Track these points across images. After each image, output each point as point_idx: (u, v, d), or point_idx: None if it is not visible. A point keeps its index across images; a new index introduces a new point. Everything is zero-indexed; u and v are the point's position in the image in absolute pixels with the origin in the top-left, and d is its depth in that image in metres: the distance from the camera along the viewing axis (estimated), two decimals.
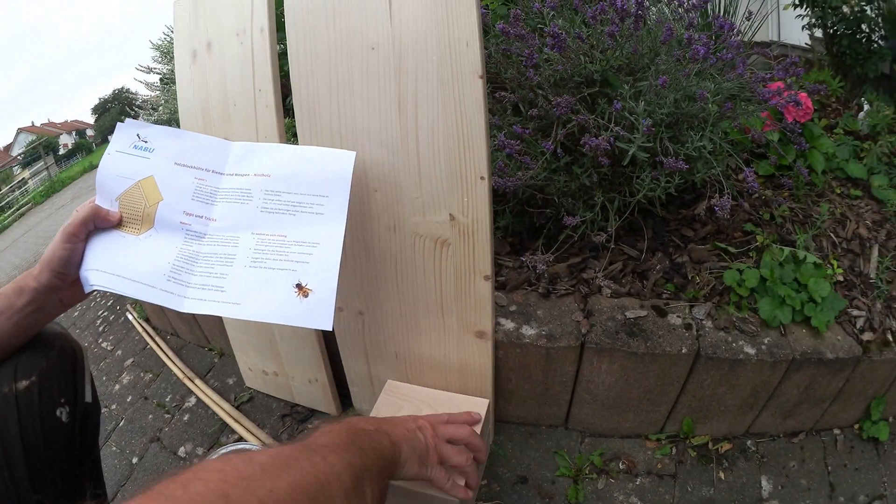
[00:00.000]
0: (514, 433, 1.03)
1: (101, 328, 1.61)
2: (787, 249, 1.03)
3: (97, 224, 0.60)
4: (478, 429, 0.82)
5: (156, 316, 1.44)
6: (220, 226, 0.64)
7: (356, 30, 0.76)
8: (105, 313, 1.69)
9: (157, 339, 1.40)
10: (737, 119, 1.04)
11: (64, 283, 0.59)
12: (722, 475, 0.99)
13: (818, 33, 1.69)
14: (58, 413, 0.63)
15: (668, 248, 1.04)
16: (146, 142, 0.65)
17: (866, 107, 1.48)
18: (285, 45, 0.83)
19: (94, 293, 1.88)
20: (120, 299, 1.71)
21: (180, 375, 1.24)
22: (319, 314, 0.59)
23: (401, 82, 0.76)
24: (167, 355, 1.32)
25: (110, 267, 0.59)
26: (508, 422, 1.05)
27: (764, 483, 0.98)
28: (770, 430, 1.05)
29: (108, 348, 1.50)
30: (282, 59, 0.87)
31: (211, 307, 0.59)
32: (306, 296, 0.60)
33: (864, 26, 1.52)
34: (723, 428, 1.02)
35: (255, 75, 0.89)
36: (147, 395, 1.27)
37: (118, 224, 0.61)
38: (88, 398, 0.69)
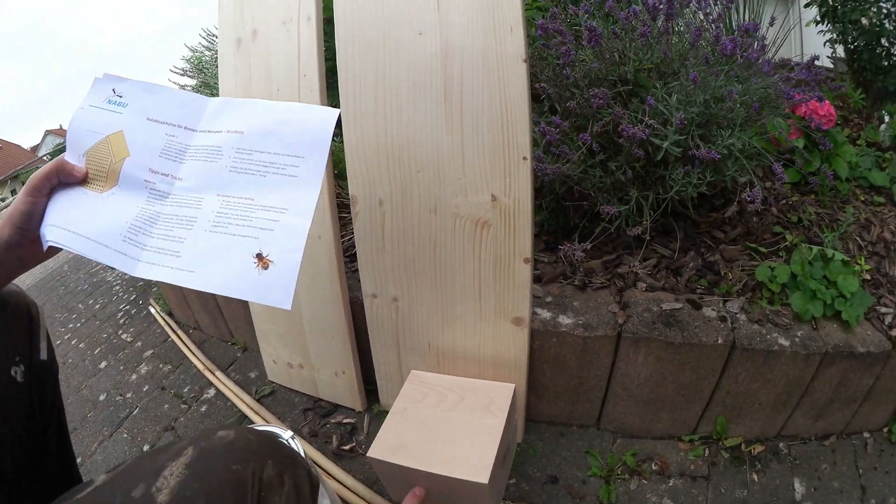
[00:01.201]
0: (544, 432, 1.01)
1: (121, 321, 1.60)
2: (815, 248, 1.03)
3: (61, 179, 0.57)
4: (500, 422, 0.80)
5: (179, 309, 1.43)
6: (186, 185, 0.58)
7: (404, 17, 0.79)
8: (127, 307, 1.67)
9: (179, 332, 1.39)
10: (763, 119, 1.06)
11: (25, 239, 0.55)
12: (755, 477, 0.97)
13: (840, 51, 1.73)
14: (12, 373, 0.60)
15: (699, 248, 1.04)
16: (121, 96, 0.61)
17: (887, 118, 1.50)
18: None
19: (101, 272, 1.88)
20: (143, 293, 1.70)
21: (200, 367, 1.22)
22: (278, 290, 0.52)
23: (447, 67, 0.78)
24: (188, 348, 1.30)
25: (69, 224, 0.55)
26: (539, 421, 1.02)
27: (797, 485, 0.95)
28: (802, 433, 1.03)
29: (128, 340, 1.48)
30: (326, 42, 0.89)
31: (164, 273, 0.54)
32: (266, 268, 0.53)
33: (883, 40, 1.56)
34: (755, 429, 1.00)
35: (301, 62, 0.91)
36: (164, 386, 1.25)
37: (83, 181, 0.58)
38: (44, 356, 0.67)
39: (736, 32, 1.21)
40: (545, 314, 0.89)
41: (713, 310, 0.92)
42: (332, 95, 0.93)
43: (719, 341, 0.87)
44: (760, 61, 1.04)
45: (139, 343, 1.46)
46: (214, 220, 0.56)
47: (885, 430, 1.04)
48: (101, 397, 1.28)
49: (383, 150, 0.84)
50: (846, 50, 1.71)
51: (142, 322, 1.56)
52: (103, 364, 1.42)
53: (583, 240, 1.00)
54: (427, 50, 0.78)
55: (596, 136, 0.94)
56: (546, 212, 1.02)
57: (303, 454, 0.75)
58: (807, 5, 1.72)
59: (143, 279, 1.75)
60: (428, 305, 0.89)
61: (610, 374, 0.92)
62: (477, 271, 0.83)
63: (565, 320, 0.88)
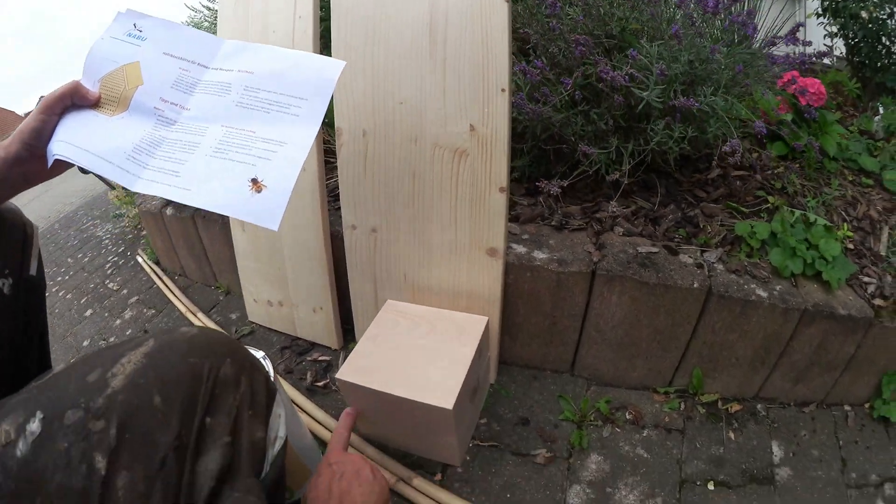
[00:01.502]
0: (518, 375, 1.00)
1: (109, 271, 1.61)
2: (797, 212, 1.03)
3: (75, 101, 0.59)
4: (470, 351, 0.81)
5: (166, 256, 1.45)
6: (193, 115, 0.62)
7: None
8: (115, 258, 1.69)
9: (165, 278, 1.40)
10: (748, 83, 1.07)
11: (32, 155, 0.58)
12: (732, 435, 0.95)
13: (839, 46, 1.75)
14: (0, 284, 0.61)
15: (680, 203, 1.05)
16: (141, 31, 0.65)
17: (882, 110, 1.51)
18: None
19: (91, 228, 1.90)
20: (131, 245, 1.72)
21: (183, 310, 1.23)
22: (269, 211, 0.55)
23: (434, 4, 0.80)
24: (173, 293, 1.31)
25: (76, 141, 0.58)
26: (513, 364, 1.02)
27: (775, 448, 0.94)
28: (781, 396, 1.01)
29: (115, 288, 1.50)
30: None
31: (161, 189, 0.57)
32: (259, 191, 0.56)
33: (884, 39, 1.58)
34: (732, 387, 0.99)
35: (297, 4, 0.95)
36: (147, 329, 1.26)
37: (96, 104, 0.61)
38: (33, 272, 0.68)
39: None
40: (520, 249, 0.89)
41: (690, 257, 0.92)
42: (324, 36, 0.96)
43: (695, 285, 0.86)
44: (748, 26, 1.06)
45: (125, 291, 1.47)
46: (216, 146, 0.59)
47: (867, 405, 1.03)
48: (85, 343, 1.28)
49: (370, 84, 0.86)
50: (846, 45, 1.73)
51: (129, 271, 1.57)
52: (89, 312, 1.43)
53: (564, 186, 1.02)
54: None
55: (578, 85, 0.96)
56: (528, 157, 1.03)
57: (272, 373, 0.76)
58: None
59: (133, 236, 1.77)
60: (406, 236, 0.90)
61: (584, 314, 0.92)
62: (454, 200, 0.85)
63: (540, 255, 0.88)
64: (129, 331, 1.28)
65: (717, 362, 0.95)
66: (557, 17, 1.01)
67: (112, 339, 1.26)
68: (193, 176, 0.57)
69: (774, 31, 1.66)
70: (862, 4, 1.59)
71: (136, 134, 0.59)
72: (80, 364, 0.43)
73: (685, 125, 0.98)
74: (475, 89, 0.80)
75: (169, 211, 1.30)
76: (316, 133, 0.61)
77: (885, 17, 1.58)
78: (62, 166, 0.61)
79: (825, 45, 1.68)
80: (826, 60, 1.91)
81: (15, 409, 0.40)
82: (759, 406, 1.00)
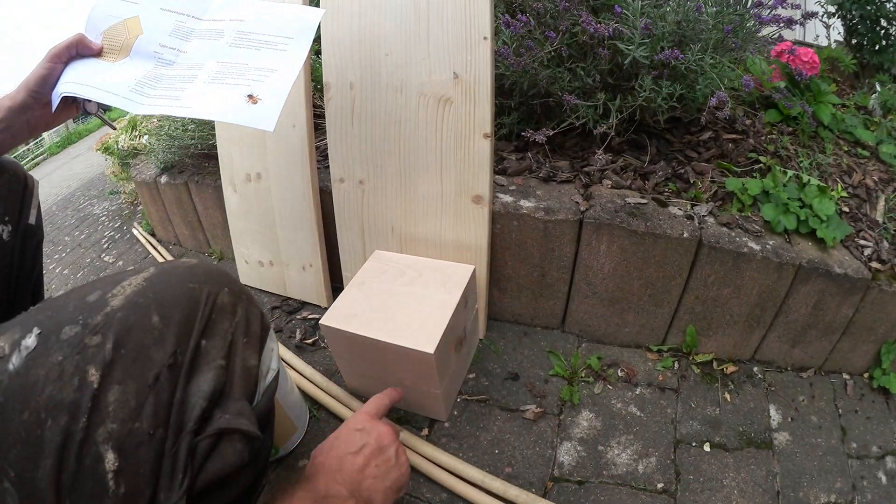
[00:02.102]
0: (507, 331, 0.99)
1: (105, 245, 1.62)
2: (790, 172, 1.02)
3: (80, 51, 0.64)
4: (454, 298, 0.80)
5: (161, 226, 1.46)
6: (190, 56, 0.68)
7: None
8: (111, 233, 1.70)
9: (160, 248, 1.41)
10: (737, 42, 1.07)
11: (37, 102, 0.62)
12: (728, 397, 0.93)
13: (837, 26, 1.75)
14: None
15: (671, 162, 1.04)
16: None
17: (878, 88, 1.51)
18: None
19: (88, 206, 1.91)
20: (127, 220, 1.73)
21: None
22: (264, 117, 0.61)
23: None
24: (166, 260, 1.32)
25: (82, 79, 0.63)
26: (503, 320, 1.01)
27: (773, 412, 0.92)
28: (777, 360, 0.99)
29: (110, 261, 1.50)
30: None
31: (163, 108, 0.62)
32: (255, 103, 0.62)
33: (882, 21, 1.58)
34: (728, 346, 0.97)
35: None
36: None
37: (98, 54, 0.66)
38: (32, 220, 0.71)
39: None
40: (507, 198, 0.89)
41: (680, 209, 0.91)
42: None
43: (685, 235, 0.85)
44: None
45: (120, 262, 1.48)
46: (213, 75, 0.65)
47: (866, 375, 1.01)
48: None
49: (356, 37, 0.87)
50: (844, 26, 1.74)
51: (125, 244, 1.58)
52: None
53: (552, 142, 1.01)
54: None
55: (565, 42, 0.97)
56: (516, 114, 1.03)
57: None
58: None
59: (129, 212, 1.79)
60: (393, 187, 0.90)
61: (573, 265, 0.91)
62: (439, 148, 0.85)
63: (527, 204, 0.88)
64: None
65: (711, 320, 0.93)
66: None
67: None
68: (193, 96, 0.63)
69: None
70: None
71: (139, 72, 0.65)
72: (79, 288, 0.44)
73: (673, 83, 0.98)
74: (458, 38, 0.81)
75: (163, 179, 1.32)
76: (303, 62, 0.66)
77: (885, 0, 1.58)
78: (64, 113, 0.66)
79: (822, 21, 1.68)
80: (822, 40, 1.91)
81: (11, 327, 0.40)
82: (755, 369, 0.98)
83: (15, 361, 0.37)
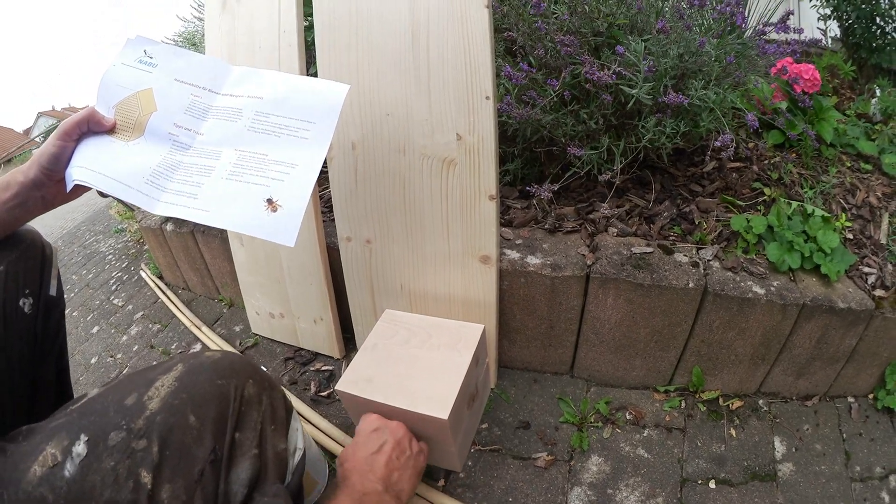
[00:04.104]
0: (517, 379, 1.01)
1: (114, 287, 1.64)
2: (795, 203, 1.02)
3: (91, 127, 0.62)
4: (466, 360, 0.81)
5: (169, 271, 1.47)
6: (206, 139, 0.65)
7: None
8: (119, 274, 1.72)
9: (168, 292, 1.42)
10: (740, 74, 1.06)
11: (50, 179, 0.61)
12: (733, 433, 0.95)
13: (833, 27, 1.73)
14: (20, 303, 0.64)
15: (675, 199, 1.04)
16: (151, 58, 0.67)
17: (878, 92, 1.49)
18: None
19: (95, 244, 1.93)
20: (135, 260, 1.74)
21: (188, 324, 1.25)
22: (285, 229, 0.59)
23: (414, 13, 0.80)
24: (176, 307, 1.33)
25: (94, 165, 0.60)
26: (513, 368, 1.03)
27: (777, 444, 0.94)
28: (783, 391, 1.01)
29: (119, 304, 1.52)
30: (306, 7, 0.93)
31: (180, 211, 0.60)
32: (275, 210, 0.60)
33: (878, 19, 1.56)
34: (733, 383, 0.99)
35: (281, 18, 0.95)
36: (153, 344, 1.27)
37: (111, 130, 0.63)
38: (53, 292, 0.71)
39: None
40: (514, 255, 0.90)
41: (685, 255, 0.92)
42: (310, 49, 0.97)
43: (690, 285, 0.86)
44: (736, 16, 1.05)
45: (130, 306, 1.49)
46: (231, 169, 0.62)
47: (871, 396, 1.02)
48: (93, 360, 1.30)
49: (355, 96, 0.87)
50: (840, 27, 1.71)
51: (133, 286, 1.59)
52: (95, 329, 1.45)
53: (555, 183, 1.02)
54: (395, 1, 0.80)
55: (567, 85, 0.96)
56: (520, 161, 1.03)
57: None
58: None
59: (136, 251, 1.79)
60: (400, 246, 0.90)
61: (581, 317, 0.92)
62: (445, 210, 0.85)
63: (533, 260, 0.88)
64: (136, 346, 1.30)
65: (716, 360, 0.95)
66: (544, 16, 1.00)
67: (119, 356, 1.28)
68: (211, 197, 0.61)
69: (767, 17, 1.64)
70: None
71: (153, 158, 0.63)
72: (114, 389, 0.47)
73: (677, 120, 0.97)
74: (460, 98, 0.80)
75: (169, 227, 1.32)
76: (325, 154, 0.64)
77: None
78: (80, 189, 0.65)
79: (819, 28, 1.66)
80: (821, 40, 1.89)
81: (57, 432, 0.43)
82: (760, 401, 1.00)
83: (70, 469, 0.40)
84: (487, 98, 0.79)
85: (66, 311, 1.60)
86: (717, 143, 0.92)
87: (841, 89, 1.60)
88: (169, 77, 0.66)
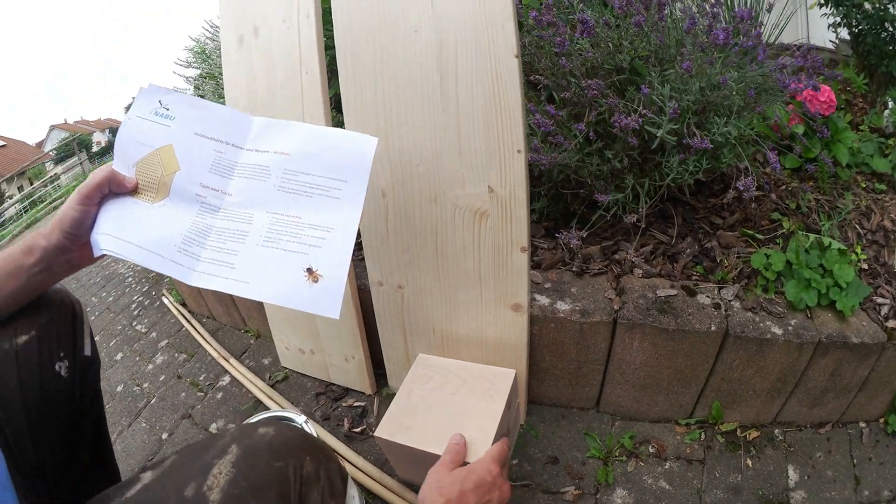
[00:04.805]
0: (546, 415, 1.05)
1: (135, 312, 1.65)
2: (812, 236, 1.05)
3: (112, 189, 0.59)
4: (499, 407, 0.83)
5: (192, 299, 1.48)
6: (236, 201, 0.63)
7: (399, 14, 0.81)
8: (140, 298, 1.73)
9: (193, 321, 1.44)
10: (760, 106, 1.07)
11: (74, 244, 0.59)
12: (749, 462, 0.99)
13: (844, 33, 1.72)
14: (57, 367, 0.63)
15: (697, 233, 1.06)
16: (168, 109, 0.64)
17: (891, 104, 1.50)
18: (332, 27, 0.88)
19: (114, 264, 1.94)
20: (156, 284, 1.75)
21: (215, 355, 1.27)
22: (328, 301, 0.58)
23: (442, 64, 0.80)
24: (202, 336, 1.35)
25: (122, 233, 0.58)
26: (541, 403, 1.06)
27: (791, 472, 0.98)
28: (797, 420, 1.05)
29: (143, 331, 1.54)
30: (328, 42, 0.92)
31: (219, 283, 0.58)
32: (316, 281, 0.58)
33: (887, 25, 1.55)
34: (751, 415, 1.03)
35: (302, 57, 0.94)
36: (181, 375, 1.30)
37: (133, 191, 0.61)
38: (88, 352, 0.70)
39: (732, 21, 1.22)
40: (543, 300, 0.92)
41: (707, 297, 0.95)
42: (333, 87, 0.96)
43: (712, 328, 0.89)
44: (757, 49, 1.05)
45: (154, 333, 1.51)
46: (266, 235, 0.61)
47: (882, 420, 1.05)
48: (119, 388, 1.32)
49: (384, 145, 0.87)
50: (850, 33, 1.70)
51: (156, 313, 1.61)
52: (119, 356, 1.46)
53: (582, 225, 1.03)
54: (423, 47, 0.80)
55: (592, 125, 0.96)
56: (545, 199, 1.05)
57: (316, 436, 0.80)
58: None
59: (155, 277, 1.80)
60: (432, 292, 0.92)
61: (607, 358, 0.95)
62: (477, 260, 0.87)
63: (563, 306, 0.91)
64: (163, 376, 1.32)
65: (735, 395, 0.99)
66: (567, 54, 1.00)
67: (146, 386, 1.30)
68: (249, 267, 0.59)
69: (779, 27, 1.63)
70: None
71: (183, 223, 0.60)
72: (169, 476, 0.47)
73: (699, 158, 0.99)
74: (491, 150, 0.81)
75: None
76: (359, 215, 0.62)
77: (887, 2, 1.54)
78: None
79: (831, 41, 1.65)
80: (831, 41, 1.88)
81: None
82: (776, 431, 1.04)
83: None
84: (519, 152, 0.79)
85: None
86: (740, 187, 0.93)
87: (854, 101, 1.61)
88: (188, 131, 0.64)
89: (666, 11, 0.98)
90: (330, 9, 0.88)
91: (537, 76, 0.98)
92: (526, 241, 0.83)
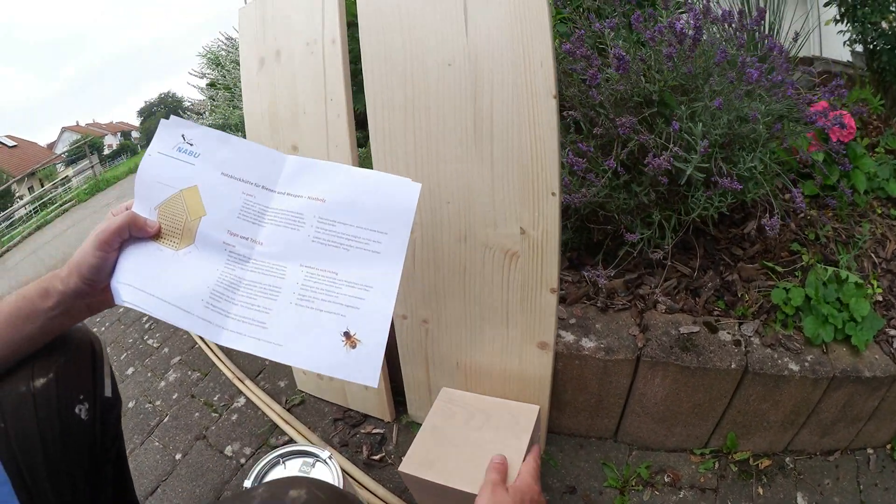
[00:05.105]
0: (564, 444, 1.06)
1: (147, 325, 1.63)
2: (830, 269, 1.06)
3: (133, 233, 0.56)
4: (524, 443, 0.84)
5: None
6: (267, 251, 0.58)
7: (432, 46, 0.79)
8: None
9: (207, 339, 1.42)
10: (785, 140, 1.07)
11: (93, 290, 0.56)
12: (761, 491, 1.02)
13: (858, 48, 1.72)
14: (76, 410, 0.61)
15: (718, 266, 1.07)
16: (192, 144, 0.60)
17: None
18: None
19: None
20: None
21: (230, 375, 1.26)
22: (366, 370, 0.54)
23: (477, 99, 0.78)
24: (216, 356, 1.34)
25: (145, 284, 0.55)
26: (560, 433, 1.07)
27: (800, 500, 1.00)
28: (808, 448, 1.07)
29: (155, 345, 1.52)
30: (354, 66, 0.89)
31: (251, 344, 0.55)
32: (354, 346, 0.55)
33: None
34: (763, 444, 1.05)
35: (327, 85, 0.92)
36: (194, 394, 1.29)
37: (155, 236, 0.57)
38: (108, 393, 0.68)
39: (760, 46, 1.21)
40: (569, 337, 0.92)
41: (728, 333, 0.96)
42: (358, 103, 0.94)
43: (732, 366, 0.90)
44: (784, 82, 1.04)
45: (166, 349, 1.49)
46: (300, 292, 0.57)
47: (888, 446, 1.08)
48: (130, 405, 1.31)
49: (411, 178, 0.85)
50: (865, 50, 1.69)
51: (168, 327, 1.58)
52: (130, 370, 1.45)
53: (607, 255, 1.03)
54: (457, 81, 0.78)
55: (619, 159, 0.96)
56: (570, 231, 1.04)
57: (339, 472, 0.79)
58: (826, 3, 1.69)
59: None
60: (457, 328, 0.92)
61: (628, 393, 0.96)
62: (505, 299, 0.86)
63: (588, 344, 0.91)
64: (175, 395, 1.31)
65: (749, 426, 1.01)
66: (597, 86, 0.99)
67: (158, 403, 1.29)
68: (282, 328, 0.55)
69: (797, 41, 1.62)
70: (881, 13, 1.54)
71: (210, 275, 0.57)
72: None
73: (724, 193, 0.98)
74: (525, 191, 0.80)
75: None
76: (400, 272, 0.58)
77: None
78: None
79: (848, 60, 1.64)
80: (848, 60, 1.87)
81: None
82: (787, 459, 1.06)
83: None
84: (553, 194, 0.78)
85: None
86: (767, 227, 0.93)
87: (869, 120, 1.61)
88: (215, 171, 0.59)
89: (697, 47, 0.96)
90: (355, 35, 0.86)
91: (567, 110, 0.96)
92: (556, 283, 0.83)
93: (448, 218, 0.85)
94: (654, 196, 0.98)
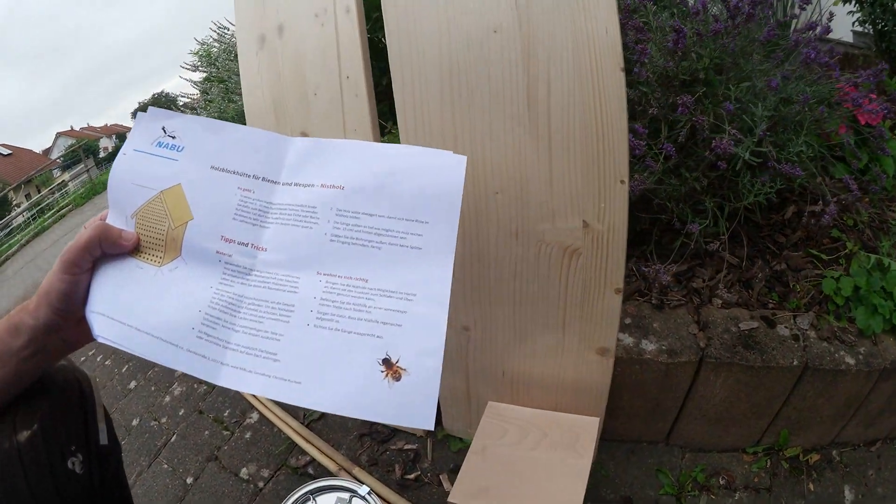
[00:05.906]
0: (614, 451, 1.00)
1: None
2: (872, 257, 1.03)
3: (105, 249, 0.46)
4: (587, 463, 0.77)
5: None
6: (273, 258, 0.46)
7: (472, 7, 0.67)
8: None
9: None
10: (826, 123, 1.03)
11: (67, 322, 0.46)
12: (811, 486, 0.98)
13: (860, 29, 1.71)
14: (70, 464, 0.52)
15: (765, 254, 1.02)
16: (173, 137, 0.48)
17: None
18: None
19: None
20: None
21: None
22: (418, 407, 0.41)
23: (530, 71, 0.68)
24: None
25: (122, 313, 0.44)
26: (610, 440, 1.01)
27: (847, 492, 0.98)
28: (852, 440, 1.05)
29: None
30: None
31: (259, 383, 0.42)
32: (398, 378, 0.41)
33: None
34: (813, 439, 1.02)
35: (341, 60, 0.80)
36: (202, 409, 1.17)
37: (134, 250, 0.46)
38: (104, 440, 0.58)
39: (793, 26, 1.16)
40: (627, 340, 0.85)
41: (786, 327, 0.91)
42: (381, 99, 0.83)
43: (794, 363, 0.86)
44: (828, 63, 1.00)
45: None
46: (319, 309, 0.44)
47: None
48: (134, 422, 1.19)
49: None
50: (875, 31, 1.69)
51: None
52: (133, 384, 1.32)
53: (656, 246, 0.97)
54: (505, 50, 0.67)
55: (675, 141, 0.89)
56: None
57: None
58: None
59: None
60: (503, 334, 0.83)
61: (686, 395, 0.90)
62: (563, 302, 0.78)
63: (648, 346, 0.84)
64: (182, 410, 1.18)
65: (802, 422, 0.97)
66: (644, 63, 0.91)
67: (164, 420, 1.17)
68: (299, 360, 0.42)
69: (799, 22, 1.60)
70: None
71: (202, 295, 0.44)
72: None
73: (774, 178, 0.93)
74: (589, 180, 0.71)
75: None
76: (451, 272, 0.45)
77: None
78: None
79: (852, 30, 1.64)
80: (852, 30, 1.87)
81: None
82: (833, 452, 1.04)
83: None
84: (622, 182, 0.70)
85: (99, 360, 1.44)
86: (825, 216, 0.89)
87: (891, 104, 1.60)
88: (202, 165, 0.47)
89: (750, 24, 0.89)
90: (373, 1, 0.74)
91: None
92: (621, 282, 0.75)
93: (497, 211, 0.76)
94: (706, 182, 0.91)
